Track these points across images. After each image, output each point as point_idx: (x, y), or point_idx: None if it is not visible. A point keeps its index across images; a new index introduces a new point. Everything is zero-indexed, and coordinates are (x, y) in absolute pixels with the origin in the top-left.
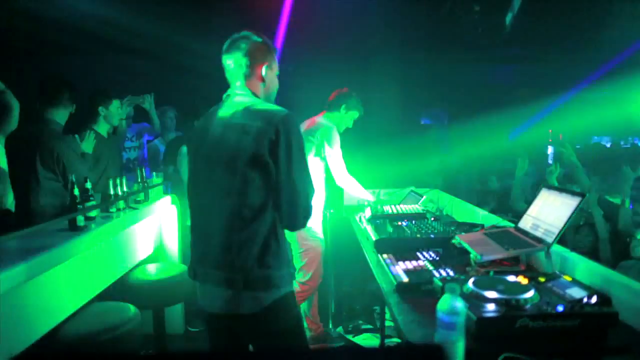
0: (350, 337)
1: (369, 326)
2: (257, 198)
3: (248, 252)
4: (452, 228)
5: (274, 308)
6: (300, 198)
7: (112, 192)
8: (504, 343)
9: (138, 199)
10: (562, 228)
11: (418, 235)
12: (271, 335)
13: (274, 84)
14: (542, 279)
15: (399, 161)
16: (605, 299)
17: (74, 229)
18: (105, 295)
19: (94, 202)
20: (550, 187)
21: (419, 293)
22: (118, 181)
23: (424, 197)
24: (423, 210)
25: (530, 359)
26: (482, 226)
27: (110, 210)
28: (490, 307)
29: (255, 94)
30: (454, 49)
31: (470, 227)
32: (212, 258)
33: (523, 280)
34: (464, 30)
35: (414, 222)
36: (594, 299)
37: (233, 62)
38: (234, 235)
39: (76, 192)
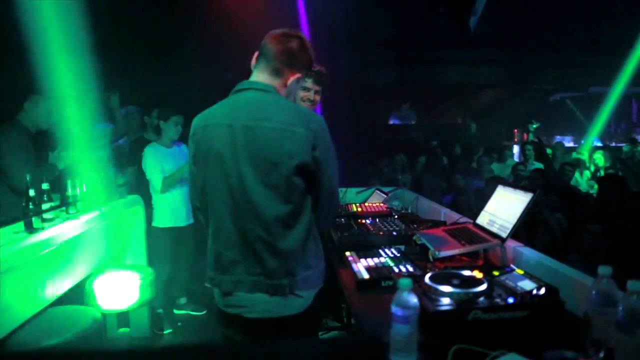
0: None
1: (337, 324)
2: (299, 203)
3: (294, 257)
4: (415, 225)
5: (315, 305)
6: (334, 199)
7: (70, 193)
8: (458, 335)
9: (100, 199)
10: (516, 223)
11: (381, 233)
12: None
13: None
14: (496, 273)
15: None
16: (552, 290)
17: (30, 231)
18: (65, 300)
19: (54, 203)
20: (506, 184)
21: (379, 289)
22: (77, 182)
23: (389, 195)
24: (387, 208)
25: (481, 349)
26: (445, 223)
27: (70, 211)
28: (445, 300)
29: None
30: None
31: (434, 224)
32: (251, 265)
33: (478, 274)
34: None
35: (377, 220)
36: (542, 291)
37: (272, 53)
38: (279, 242)
39: (32, 193)
